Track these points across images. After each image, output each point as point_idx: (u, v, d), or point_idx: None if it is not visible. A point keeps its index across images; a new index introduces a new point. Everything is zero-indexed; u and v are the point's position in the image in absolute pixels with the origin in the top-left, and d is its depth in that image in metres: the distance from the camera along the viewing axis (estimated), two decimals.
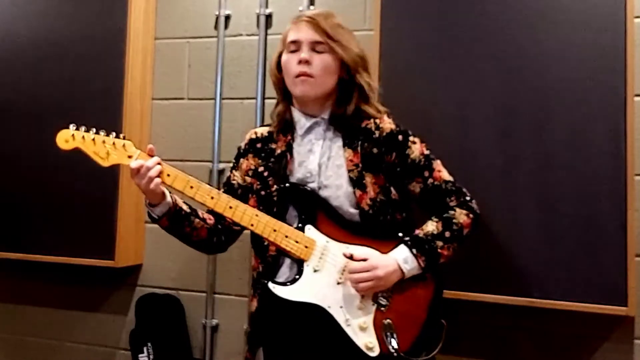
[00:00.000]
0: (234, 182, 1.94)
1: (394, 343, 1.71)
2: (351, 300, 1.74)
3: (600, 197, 2.12)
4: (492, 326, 2.32)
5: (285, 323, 1.80)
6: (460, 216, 1.83)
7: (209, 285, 2.74)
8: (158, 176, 1.71)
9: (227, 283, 2.73)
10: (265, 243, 1.82)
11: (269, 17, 2.72)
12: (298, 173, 1.84)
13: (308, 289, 1.74)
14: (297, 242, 1.76)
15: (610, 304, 2.08)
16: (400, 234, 1.80)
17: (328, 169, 1.83)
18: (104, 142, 1.75)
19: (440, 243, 1.78)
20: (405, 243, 1.77)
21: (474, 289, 2.22)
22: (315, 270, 1.75)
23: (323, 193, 1.81)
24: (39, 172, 2.77)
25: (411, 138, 1.87)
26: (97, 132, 1.75)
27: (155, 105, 2.87)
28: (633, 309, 2.07)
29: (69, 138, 1.74)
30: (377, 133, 1.85)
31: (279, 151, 1.88)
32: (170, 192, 1.80)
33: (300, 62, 1.81)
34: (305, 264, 1.76)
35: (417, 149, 1.85)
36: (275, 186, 1.83)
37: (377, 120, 1.87)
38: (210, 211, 1.87)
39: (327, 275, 1.75)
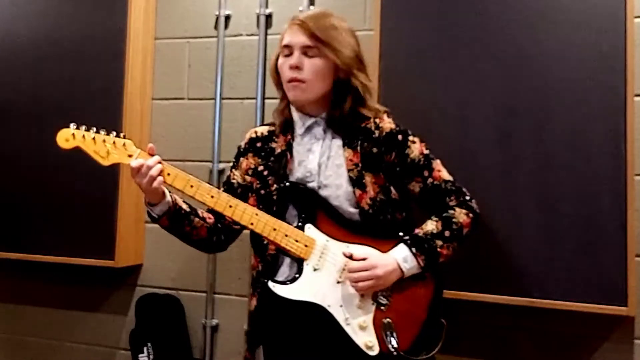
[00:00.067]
0: (233, 181, 1.94)
1: (394, 342, 1.71)
2: (351, 299, 1.74)
3: (600, 197, 2.12)
4: (492, 326, 2.32)
5: (285, 322, 1.80)
6: (460, 215, 1.83)
7: (209, 285, 2.74)
8: (159, 175, 1.71)
9: (227, 283, 2.73)
10: (265, 242, 1.82)
11: (269, 17, 2.72)
12: (297, 172, 1.84)
13: (308, 288, 1.74)
14: (297, 241, 1.76)
15: (610, 304, 2.08)
16: (400, 233, 1.80)
17: (328, 168, 1.83)
18: (104, 141, 1.75)
19: (439, 242, 1.78)
20: (405, 242, 1.77)
21: (474, 289, 2.22)
22: (315, 269, 1.75)
23: (323, 192, 1.81)
24: (39, 172, 2.77)
25: (411, 138, 1.87)
26: (97, 131, 1.75)
27: (155, 105, 2.87)
28: (633, 309, 2.07)
29: (69, 137, 1.74)
30: (376, 133, 1.85)
31: (279, 150, 1.88)
32: (169, 192, 1.80)
33: (291, 67, 1.81)
34: (305, 263, 1.76)
35: (416, 148, 1.85)
36: (275, 185, 1.83)
37: (377, 120, 1.87)
38: (210, 210, 1.87)
39: (327, 274, 1.75)
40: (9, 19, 2.89)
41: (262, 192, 1.86)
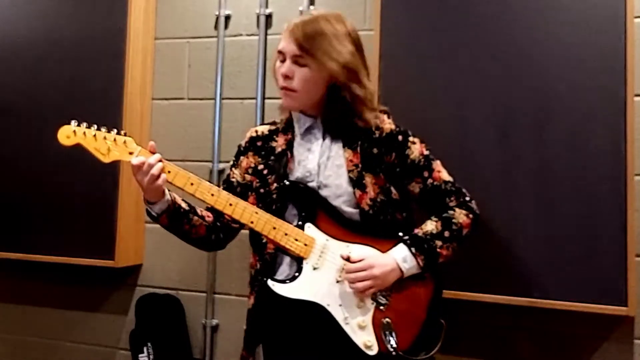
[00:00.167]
0: (233, 180, 1.94)
1: (393, 342, 1.71)
2: (350, 299, 1.74)
3: (600, 197, 2.12)
4: (492, 326, 2.32)
5: (284, 321, 1.80)
6: (460, 216, 1.83)
7: (209, 285, 2.74)
8: (161, 174, 1.71)
9: (227, 283, 2.73)
10: (264, 241, 1.82)
11: (269, 17, 2.72)
12: (297, 172, 1.84)
13: (307, 286, 1.74)
14: (296, 240, 1.76)
15: (610, 304, 2.08)
16: (400, 234, 1.80)
17: (327, 168, 1.83)
18: (105, 138, 1.75)
19: (439, 242, 1.78)
20: (405, 242, 1.77)
21: (474, 289, 2.22)
22: (314, 268, 1.75)
23: (322, 193, 1.81)
24: (39, 172, 2.78)
25: (411, 138, 1.86)
26: (98, 129, 1.76)
27: (155, 105, 2.87)
28: (633, 309, 2.07)
29: (70, 134, 1.74)
30: (377, 133, 1.85)
31: (279, 149, 1.88)
32: (168, 190, 1.81)
33: (282, 75, 1.81)
34: (304, 262, 1.76)
35: (416, 149, 1.85)
36: (274, 184, 1.83)
37: (377, 121, 1.87)
38: (209, 208, 1.87)
39: (326, 274, 1.75)
40: (9, 19, 2.89)
41: (262, 190, 1.85)
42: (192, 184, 1.76)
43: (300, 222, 1.78)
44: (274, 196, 1.82)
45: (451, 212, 1.83)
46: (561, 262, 2.14)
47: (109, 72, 2.71)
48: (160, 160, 1.73)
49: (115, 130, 1.77)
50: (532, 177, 2.19)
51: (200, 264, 2.75)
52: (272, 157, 1.88)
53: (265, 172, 1.87)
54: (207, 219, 1.89)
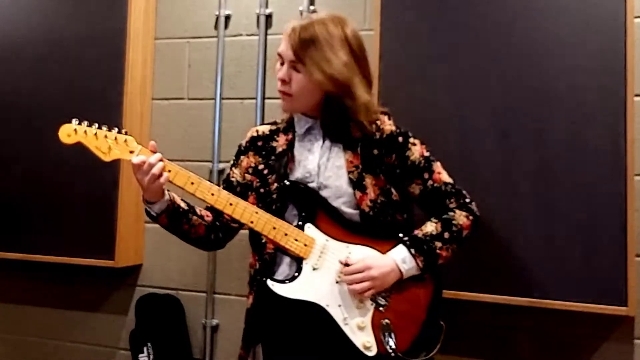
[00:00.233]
0: (233, 179, 1.93)
1: (392, 343, 1.71)
2: (350, 299, 1.74)
3: (600, 197, 2.12)
4: (492, 326, 2.32)
5: (283, 321, 1.79)
6: (460, 218, 1.83)
7: (209, 285, 2.74)
8: (162, 173, 1.71)
9: (227, 283, 2.73)
10: (263, 241, 1.81)
11: (269, 17, 2.72)
12: (297, 172, 1.84)
13: (307, 287, 1.74)
14: (296, 240, 1.75)
15: (610, 304, 2.08)
16: (399, 234, 1.80)
17: (327, 169, 1.82)
18: (106, 137, 1.75)
19: (439, 244, 1.78)
20: (404, 243, 1.77)
21: (474, 289, 2.22)
22: (314, 269, 1.75)
23: (322, 193, 1.80)
24: (39, 172, 2.78)
25: (411, 140, 1.86)
26: (99, 127, 1.76)
27: (155, 105, 2.87)
28: (633, 309, 2.07)
29: (71, 132, 1.74)
30: (377, 134, 1.84)
31: (280, 149, 1.88)
32: (168, 190, 1.80)
33: (279, 79, 1.81)
34: (304, 262, 1.75)
35: (417, 150, 1.85)
36: (275, 184, 1.83)
37: (378, 122, 1.86)
38: (209, 208, 1.87)
39: (326, 274, 1.75)
40: (9, 19, 2.89)
41: (262, 190, 1.85)
42: (192, 183, 1.76)
43: (300, 222, 1.78)
44: (274, 196, 1.82)
45: (451, 213, 1.83)
46: (561, 262, 2.14)
47: (109, 72, 2.71)
48: (160, 160, 1.73)
49: (116, 129, 1.77)
50: (532, 177, 2.19)
51: (200, 264, 2.75)
52: (273, 157, 1.88)
53: (265, 172, 1.87)
54: (206, 218, 1.88)
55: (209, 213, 1.90)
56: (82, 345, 2.91)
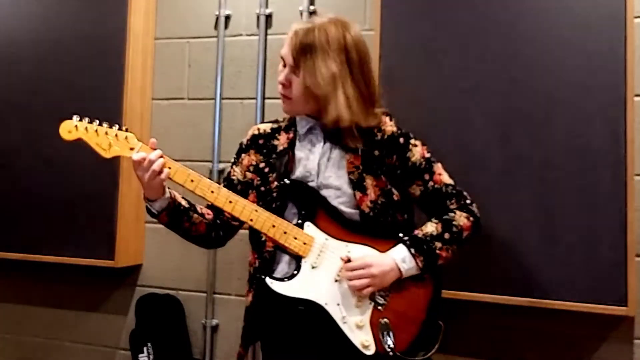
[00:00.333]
0: (233, 177, 1.93)
1: (390, 342, 1.71)
2: (348, 298, 1.74)
3: (600, 197, 2.11)
4: (492, 326, 2.31)
5: (281, 319, 1.79)
6: (461, 219, 1.82)
7: (209, 285, 2.74)
8: (162, 170, 1.71)
9: (227, 283, 2.73)
10: (263, 239, 1.81)
11: (269, 17, 2.72)
12: (297, 171, 1.84)
13: (305, 285, 1.74)
14: (295, 238, 1.75)
15: (610, 304, 2.08)
16: (399, 234, 1.80)
17: (327, 169, 1.82)
18: (106, 133, 1.75)
19: (439, 244, 1.78)
20: (404, 242, 1.77)
21: (474, 289, 2.22)
22: (313, 267, 1.75)
23: (322, 193, 1.80)
24: (39, 172, 2.78)
25: (412, 141, 1.86)
26: (100, 124, 1.76)
27: (155, 105, 2.87)
28: (633, 309, 2.07)
29: (72, 129, 1.74)
30: (378, 135, 1.84)
31: (281, 148, 1.88)
32: (168, 188, 1.81)
33: (279, 82, 1.82)
34: (303, 261, 1.75)
35: (418, 152, 1.85)
36: (275, 182, 1.83)
37: (380, 124, 1.86)
38: (209, 206, 1.88)
39: (325, 272, 1.75)
40: (9, 19, 2.89)
41: (262, 188, 1.85)
42: (192, 180, 1.76)
43: (299, 221, 1.78)
44: (274, 194, 1.82)
45: (452, 214, 1.83)
46: (561, 262, 2.14)
47: (109, 72, 2.72)
48: (161, 156, 1.73)
49: (117, 126, 1.77)
50: (532, 177, 2.19)
51: (200, 264, 2.75)
52: (274, 156, 1.88)
53: (266, 170, 1.87)
54: (207, 216, 1.88)
55: (209, 211, 1.90)
56: (82, 345, 2.91)
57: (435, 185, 1.84)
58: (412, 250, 1.75)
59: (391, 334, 1.72)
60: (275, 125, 1.95)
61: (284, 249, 1.78)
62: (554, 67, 2.19)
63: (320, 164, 1.82)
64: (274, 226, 1.75)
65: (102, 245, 2.67)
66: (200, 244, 1.97)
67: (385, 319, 1.74)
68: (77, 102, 2.72)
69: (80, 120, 1.75)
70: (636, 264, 2.10)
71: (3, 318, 3.04)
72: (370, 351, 1.71)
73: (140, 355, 2.73)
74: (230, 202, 1.76)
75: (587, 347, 2.23)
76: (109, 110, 2.67)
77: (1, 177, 2.86)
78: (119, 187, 2.68)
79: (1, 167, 2.86)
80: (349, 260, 1.74)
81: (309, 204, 1.79)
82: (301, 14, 2.63)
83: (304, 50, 1.75)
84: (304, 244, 1.76)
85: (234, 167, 1.95)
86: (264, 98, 2.69)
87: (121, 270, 2.78)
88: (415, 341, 1.76)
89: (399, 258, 1.75)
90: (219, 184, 1.84)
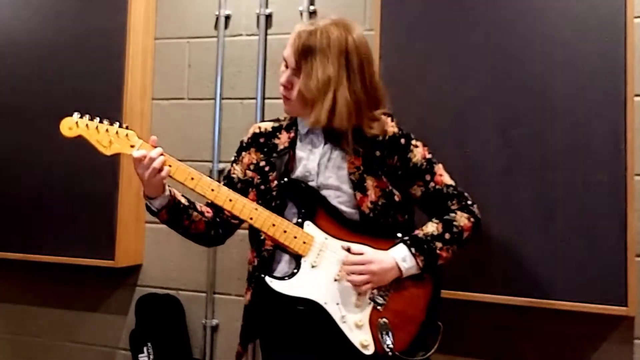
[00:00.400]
0: (233, 176, 1.93)
1: (389, 342, 1.71)
2: (348, 298, 1.74)
3: (600, 197, 2.11)
4: (492, 326, 2.31)
5: (280, 318, 1.79)
6: (461, 219, 1.82)
7: (209, 285, 2.74)
8: (162, 167, 1.71)
9: (227, 283, 2.73)
10: (262, 237, 1.82)
11: (269, 17, 2.72)
12: (298, 171, 1.84)
13: (305, 284, 1.74)
14: (295, 237, 1.75)
15: (610, 304, 2.08)
16: (399, 234, 1.80)
17: (328, 169, 1.82)
18: (107, 130, 1.76)
19: (439, 244, 1.78)
20: (405, 242, 1.77)
21: (474, 289, 2.22)
22: (312, 266, 1.75)
23: (322, 193, 1.81)
24: (39, 172, 2.78)
25: (413, 142, 1.86)
26: (100, 121, 1.76)
27: (155, 105, 2.87)
28: (633, 309, 2.07)
29: (72, 125, 1.75)
30: (379, 136, 1.84)
31: (281, 147, 1.88)
32: (168, 185, 1.81)
33: (281, 84, 1.83)
34: (302, 260, 1.75)
35: (419, 152, 1.85)
36: (275, 181, 1.83)
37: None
38: (209, 204, 1.88)
39: (324, 272, 1.75)
40: (9, 19, 2.89)
41: (262, 187, 1.85)
42: (192, 178, 1.76)
43: (299, 220, 1.78)
44: (274, 193, 1.82)
45: (453, 214, 1.83)
46: (561, 262, 2.13)
47: (109, 72, 2.72)
48: (161, 154, 1.73)
49: (118, 124, 1.77)
50: (532, 177, 2.19)
51: (200, 264, 2.75)
52: (274, 155, 1.88)
53: (266, 168, 1.87)
54: (206, 214, 1.89)
55: (209, 209, 1.90)
56: (82, 345, 2.91)
57: (437, 186, 1.84)
58: (413, 249, 1.75)
59: (390, 333, 1.72)
60: (276, 124, 1.95)
61: (283, 248, 1.78)
62: (554, 67, 2.19)
63: (320, 164, 1.83)
64: (273, 225, 1.75)
65: (102, 245, 2.67)
66: (200, 242, 1.97)
67: (384, 319, 1.74)
68: (77, 102, 2.67)
69: (81, 117, 1.75)
70: (636, 264, 2.10)
71: (3, 318, 3.04)
72: (369, 351, 1.71)
73: (140, 355, 2.73)
74: (230, 200, 1.76)
75: (587, 347, 2.22)
76: (109, 110, 2.65)
77: (1, 177, 2.86)
78: (119, 187, 2.67)
79: (1, 167, 2.86)
80: (349, 249, 1.74)
81: (308, 203, 1.79)
82: (301, 14, 2.63)
83: (305, 54, 1.75)
84: (304, 243, 1.76)
85: (234, 165, 1.96)
86: (264, 98, 2.69)
87: (121, 270, 2.78)
88: (415, 341, 1.76)
89: (400, 257, 1.75)
90: (220, 182, 1.84)
